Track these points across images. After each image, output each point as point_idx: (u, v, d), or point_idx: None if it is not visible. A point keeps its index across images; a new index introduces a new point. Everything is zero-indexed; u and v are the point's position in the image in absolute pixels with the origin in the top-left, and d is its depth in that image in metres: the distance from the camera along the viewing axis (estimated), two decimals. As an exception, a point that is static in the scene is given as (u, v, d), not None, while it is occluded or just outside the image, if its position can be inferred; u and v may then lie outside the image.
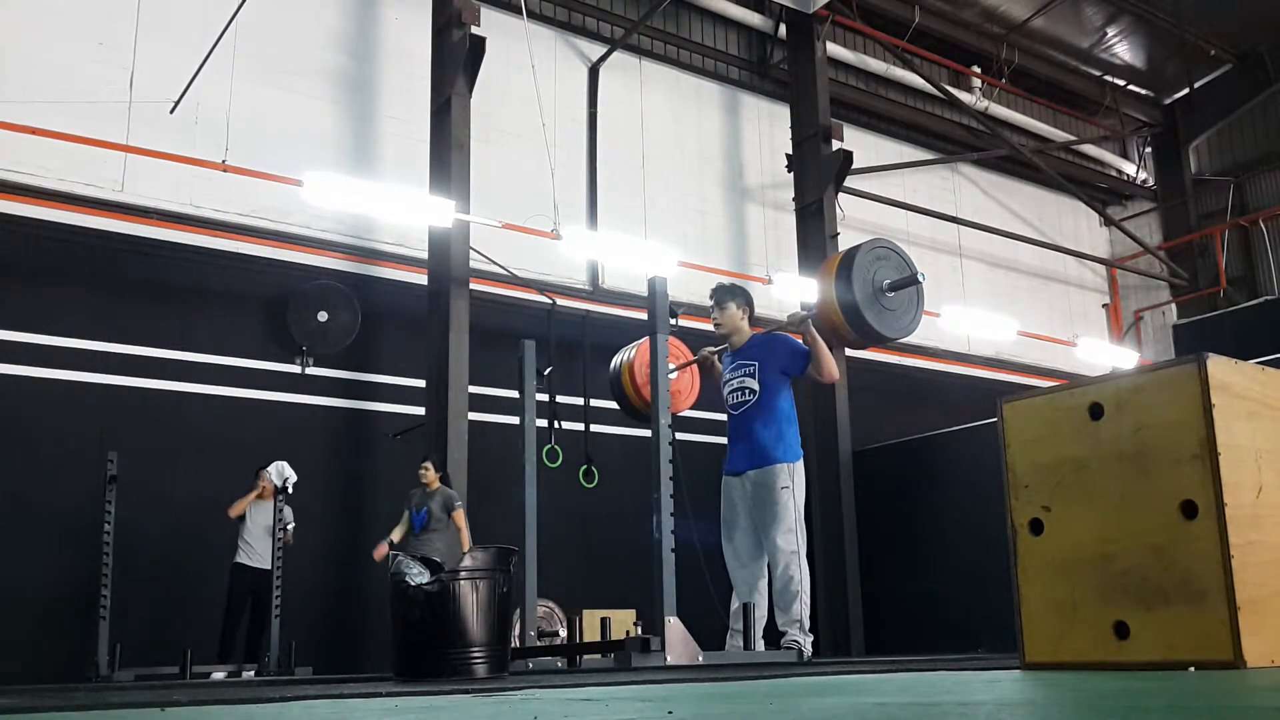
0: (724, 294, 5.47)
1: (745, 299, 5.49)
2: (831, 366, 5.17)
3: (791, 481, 5.17)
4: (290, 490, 7.73)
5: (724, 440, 5.52)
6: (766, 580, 5.27)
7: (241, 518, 7.78)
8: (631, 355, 5.80)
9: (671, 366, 5.29)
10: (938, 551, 9.46)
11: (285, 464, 7.71)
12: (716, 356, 5.58)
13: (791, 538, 5.10)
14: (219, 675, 7.15)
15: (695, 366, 5.73)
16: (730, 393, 5.36)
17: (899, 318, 4.88)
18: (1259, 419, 2.80)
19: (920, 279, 4.86)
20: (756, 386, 5.24)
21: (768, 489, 5.17)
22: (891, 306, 4.84)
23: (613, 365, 5.97)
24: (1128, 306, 15.56)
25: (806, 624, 5.11)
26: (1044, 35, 14.17)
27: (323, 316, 8.63)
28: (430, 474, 7.55)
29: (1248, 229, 14.71)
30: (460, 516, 7.41)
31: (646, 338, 5.22)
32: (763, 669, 4.14)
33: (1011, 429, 3.13)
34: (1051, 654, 2.92)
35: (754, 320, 5.51)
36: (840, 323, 4.81)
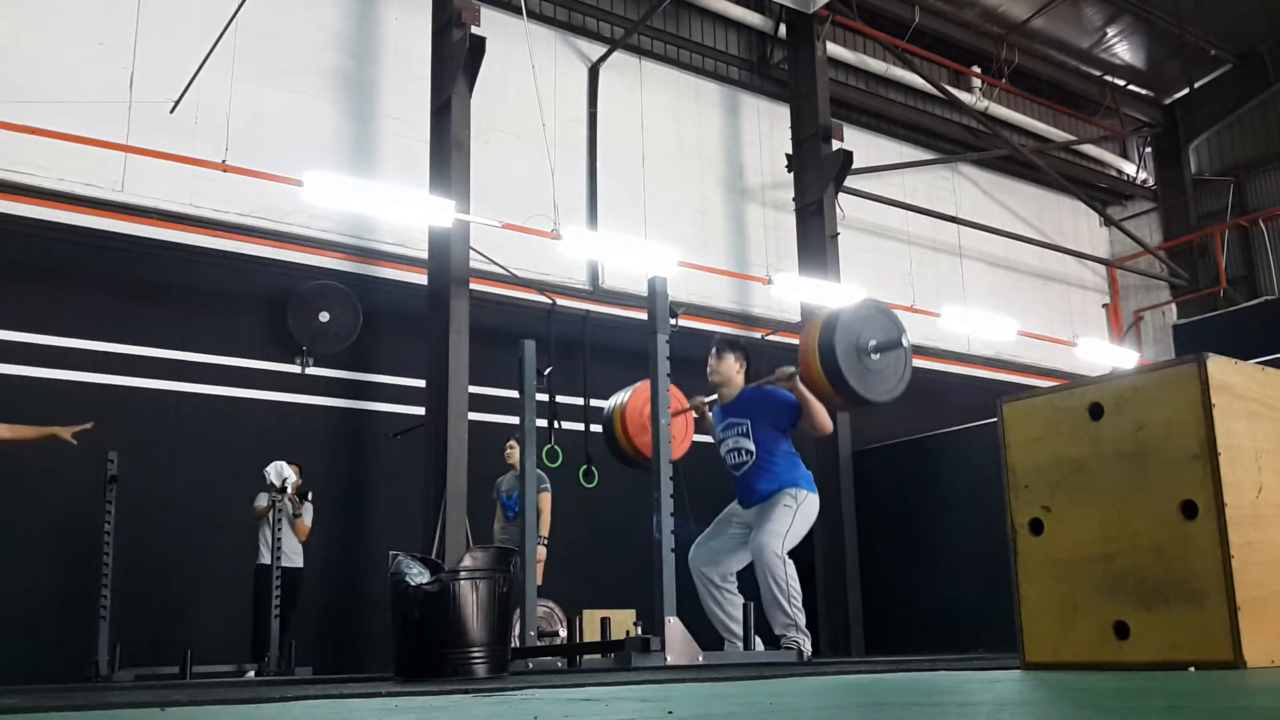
0: (724, 345, 5.47)
1: (744, 353, 5.48)
2: (823, 420, 5.11)
3: (796, 503, 5.16)
4: (289, 490, 7.74)
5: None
6: (712, 591, 5.29)
7: (263, 519, 7.80)
8: (625, 399, 5.75)
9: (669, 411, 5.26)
10: (938, 551, 9.45)
11: (284, 464, 7.71)
12: (708, 408, 5.57)
13: (777, 541, 5.08)
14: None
15: (692, 414, 5.70)
16: (728, 453, 5.36)
17: (884, 380, 4.71)
18: (1259, 419, 2.80)
19: (904, 344, 4.69)
20: (753, 447, 5.23)
21: (772, 504, 5.18)
22: (875, 369, 4.69)
23: (605, 408, 5.93)
24: (1128, 306, 15.56)
25: (801, 623, 5.10)
26: (1044, 35, 14.17)
27: (324, 317, 8.63)
28: (515, 453, 7.56)
29: (1248, 229, 14.71)
30: (546, 499, 7.32)
31: (640, 383, 5.16)
32: (763, 669, 4.14)
33: (1011, 429, 3.13)
34: (1051, 654, 2.93)
35: (750, 377, 5.48)
36: (822, 383, 4.68)
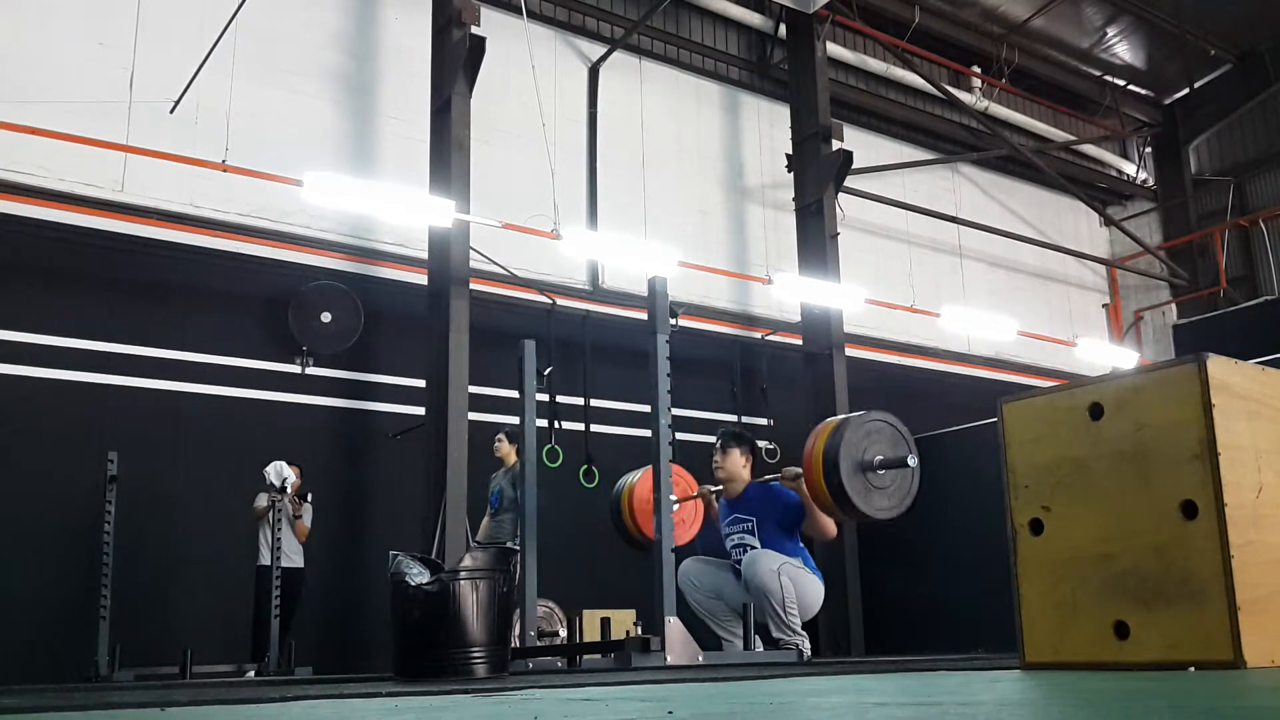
0: (730, 439, 5.45)
1: (750, 448, 5.47)
2: (825, 525, 5.08)
3: (792, 583, 5.07)
4: (289, 490, 7.74)
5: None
6: (712, 601, 5.28)
7: (263, 519, 7.80)
8: (634, 481, 5.74)
9: (675, 499, 5.23)
10: (938, 551, 9.44)
11: (284, 464, 7.72)
12: (715, 498, 5.56)
13: (776, 561, 5.03)
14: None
15: (700, 501, 5.70)
16: (733, 548, 5.34)
17: (889, 497, 4.63)
18: (1259, 419, 2.80)
19: (911, 464, 4.60)
20: (757, 544, 5.21)
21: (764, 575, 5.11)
22: (881, 485, 4.61)
23: (614, 489, 5.92)
24: (1128, 306, 15.56)
25: (798, 627, 5.09)
26: (1044, 35, 14.18)
27: (326, 317, 8.63)
28: (504, 447, 7.56)
29: (1248, 229, 14.71)
30: None
31: (647, 468, 5.14)
32: (763, 669, 4.14)
33: (1011, 429, 3.13)
34: (1051, 654, 2.93)
35: (756, 472, 5.45)
36: (826, 499, 4.62)
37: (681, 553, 5.16)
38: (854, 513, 4.63)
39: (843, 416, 4.86)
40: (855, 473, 4.53)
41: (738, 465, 5.38)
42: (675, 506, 5.29)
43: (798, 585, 5.11)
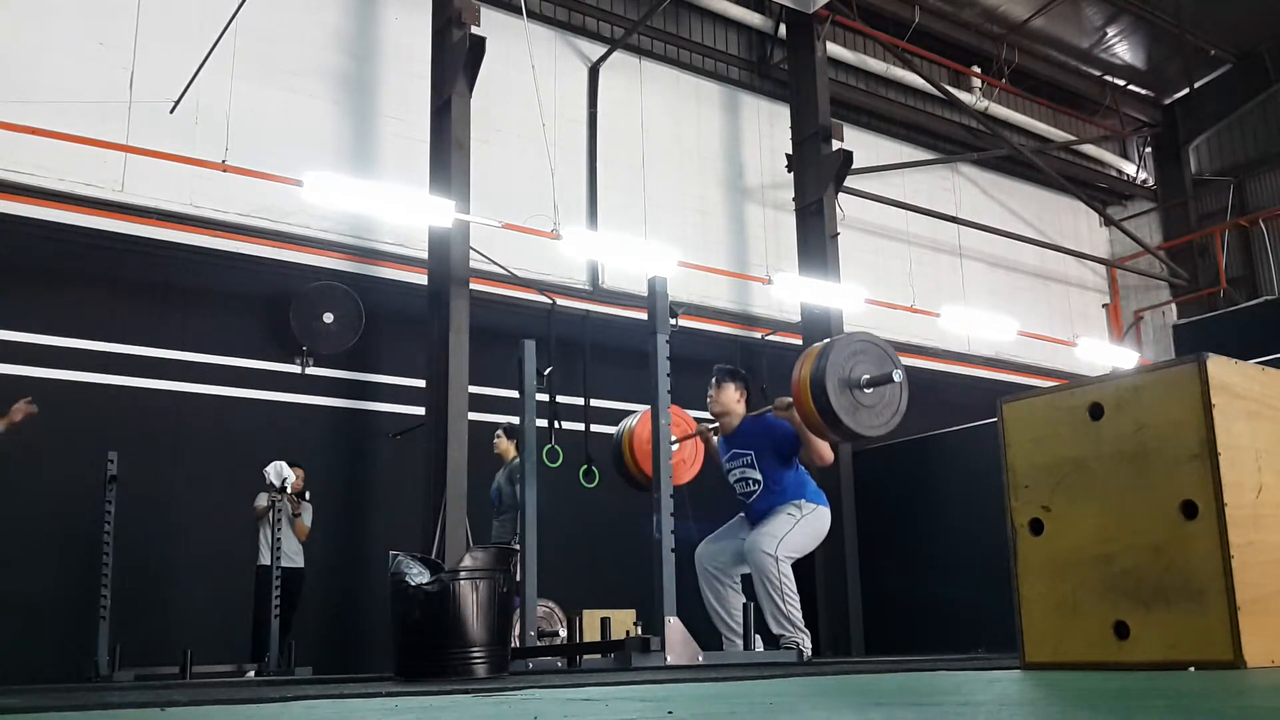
0: (724, 375, 5.49)
1: (744, 383, 5.50)
2: (821, 451, 5.11)
3: (800, 513, 5.16)
4: (289, 490, 7.74)
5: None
6: (717, 588, 5.29)
7: (263, 519, 7.80)
8: (633, 424, 5.79)
9: (674, 439, 5.26)
10: (938, 551, 9.45)
11: (284, 464, 7.72)
12: (712, 435, 5.61)
13: (771, 541, 5.09)
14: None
15: (700, 440, 5.75)
16: (736, 482, 5.39)
17: (876, 415, 4.67)
18: (1259, 419, 2.80)
19: (897, 378, 4.64)
20: (759, 476, 5.25)
21: (775, 513, 5.20)
22: (868, 403, 4.65)
23: (615, 432, 5.96)
24: (1128, 306, 15.56)
25: (799, 622, 5.10)
26: (1044, 35, 14.18)
27: (328, 318, 8.63)
28: (503, 443, 7.57)
29: (1248, 229, 14.71)
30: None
31: (648, 408, 5.18)
32: (763, 669, 4.14)
33: (1011, 429, 3.13)
34: (1051, 654, 2.93)
35: (751, 400, 5.49)
36: (815, 419, 4.66)
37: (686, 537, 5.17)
38: (844, 431, 4.69)
39: (827, 340, 4.89)
40: (842, 391, 4.58)
41: (732, 400, 5.42)
42: (675, 446, 5.31)
43: (803, 529, 5.14)
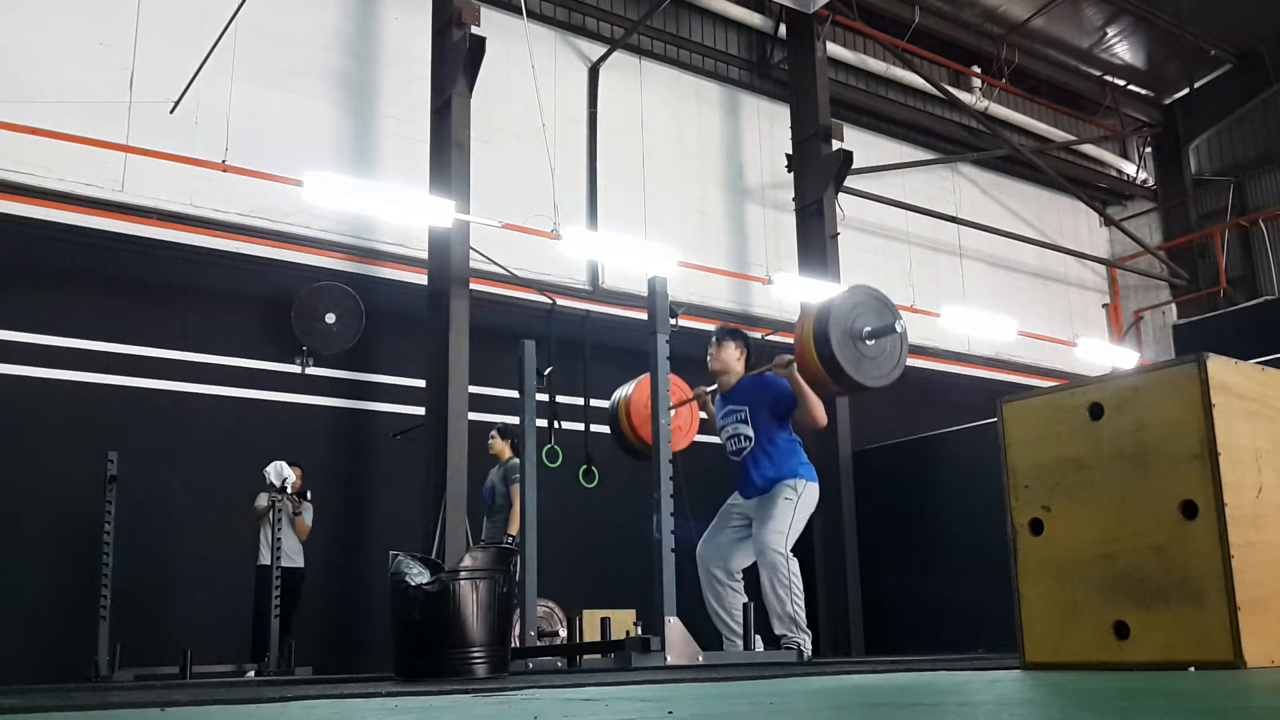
0: (724, 334, 5.51)
1: (745, 342, 5.52)
2: (816, 411, 5.11)
3: (797, 495, 5.17)
4: (289, 489, 7.74)
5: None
6: (718, 589, 5.30)
7: (264, 519, 7.80)
8: (629, 392, 5.80)
9: (670, 404, 5.28)
10: (938, 551, 9.45)
11: (284, 464, 7.72)
12: (710, 397, 5.60)
13: (781, 539, 5.10)
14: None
15: (695, 404, 5.75)
16: (728, 439, 5.39)
17: (879, 365, 4.74)
18: (1259, 419, 2.80)
19: (899, 328, 4.72)
20: (751, 433, 5.26)
21: (771, 499, 5.20)
22: (871, 354, 4.71)
23: (611, 400, 5.97)
24: (1128, 306, 15.56)
25: (802, 621, 5.11)
26: (1044, 35, 14.18)
27: (330, 319, 8.63)
28: (498, 443, 7.57)
29: (1248, 229, 14.70)
30: (515, 492, 7.13)
31: (644, 375, 5.21)
32: (763, 669, 4.14)
33: (1011, 429, 3.13)
34: (1051, 654, 2.93)
35: (750, 365, 5.51)
36: (819, 372, 4.71)
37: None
38: (847, 382, 4.72)
39: (828, 297, 4.94)
40: (846, 342, 4.64)
41: (731, 358, 5.43)
42: (671, 412, 5.33)
43: (802, 514, 5.16)
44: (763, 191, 11.93)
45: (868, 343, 4.71)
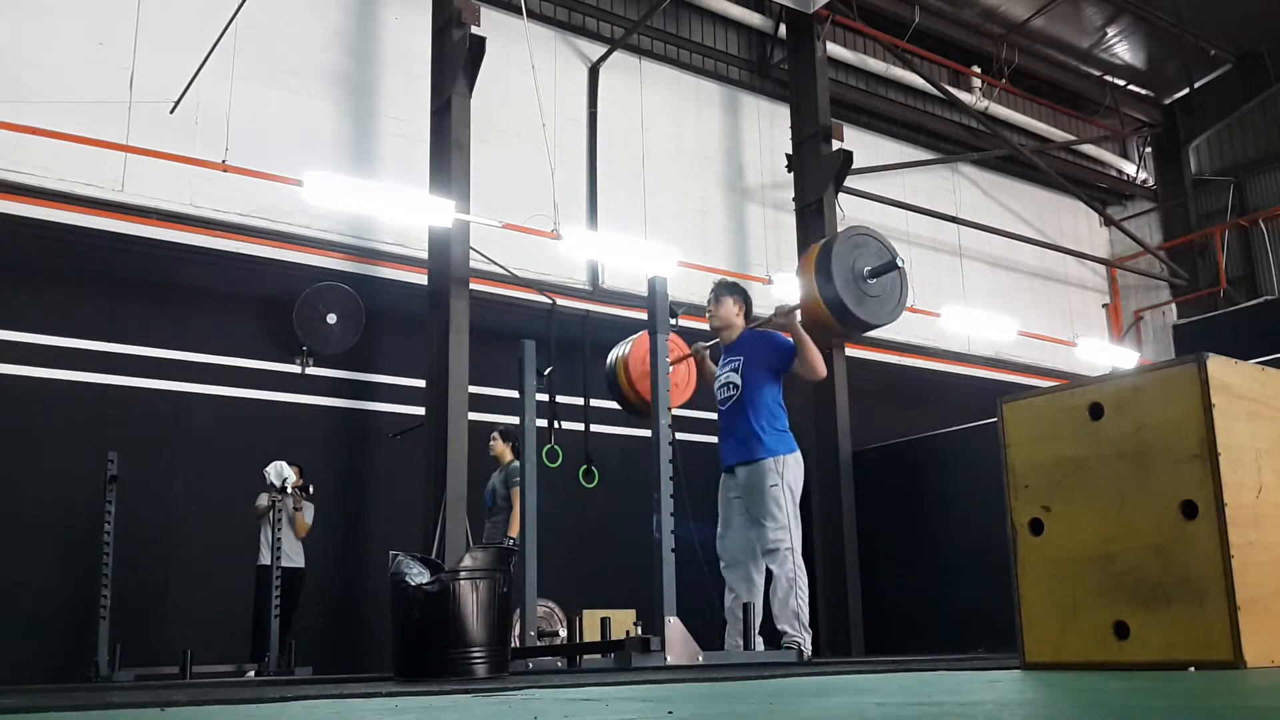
0: (721, 289, 5.52)
1: (743, 296, 5.53)
2: (816, 362, 5.12)
3: (781, 478, 5.16)
4: (289, 489, 7.74)
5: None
6: (754, 578, 5.28)
7: (264, 519, 7.80)
8: (626, 350, 5.80)
9: (669, 382, 5.29)
10: (938, 551, 9.45)
11: (284, 464, 7.72)
12: (707, 353, 5.60)
13: (784, 534, 5.10)
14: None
15: (693, 361, 5.74)
16: (719, 388, 5.42)
17: (883, 304, 4.79)
18: (1259, 419, 2.80)
19: (899, 263, 4.76)
20: (739, 381, 5.27)
21: (758, 489, 5.19)
22: (874, 293, 4.77)
23: (608, 361, 5.97)
24: (1128, 306, 15.56)
25: (805, 619, 5.11)
26: (1044, 35, 14.18)
27: (331, 319, 8.63)
28: (498, 445, 7.57)
29: (1248, 229, 14.70)
30: (515, 495, 7.13)
31: (640, 333, 5.22)
32: (763, 669, 4.14)
33: (1011, 429, 3.13)
34: (1051, 654, 2.93)
35: (751, 320, 5.53)
36: (824, 314, 4.74)
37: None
38: (852, 321, 4.76)
39: (824, 240, 4.99)
40: (848, 282, 4.68)
41: (731, 313, 5.44)
42: (669, 370, 5.33)
43: (792, 495, 5.15)
44: (763, 191, 11.93)
45: (869, 281, 4.74)
